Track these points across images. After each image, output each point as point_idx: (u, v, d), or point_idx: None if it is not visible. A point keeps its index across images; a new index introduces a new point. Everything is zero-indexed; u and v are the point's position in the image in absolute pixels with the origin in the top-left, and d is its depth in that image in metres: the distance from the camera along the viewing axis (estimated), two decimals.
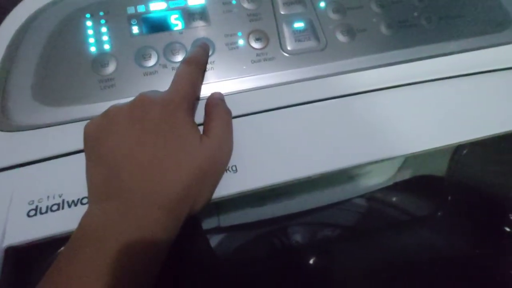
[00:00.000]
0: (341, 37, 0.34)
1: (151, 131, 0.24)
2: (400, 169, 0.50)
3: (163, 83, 0.31)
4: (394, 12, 0.36)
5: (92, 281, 0.19)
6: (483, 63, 0.35)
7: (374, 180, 0.50)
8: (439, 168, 0.46)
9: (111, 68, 0.31)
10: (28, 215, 0.25)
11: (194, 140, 0.25)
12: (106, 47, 0.31)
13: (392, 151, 0.29)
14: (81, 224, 0.22)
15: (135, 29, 0.32)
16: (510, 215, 0.41)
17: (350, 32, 0.34)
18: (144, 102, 0.25)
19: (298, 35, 0.34)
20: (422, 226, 0.46)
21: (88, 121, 0.26)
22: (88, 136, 0.25)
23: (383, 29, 0.35)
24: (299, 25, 0.34)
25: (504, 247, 0.41)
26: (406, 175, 0.51)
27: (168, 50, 0.31)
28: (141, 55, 0.31)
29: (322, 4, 0.35)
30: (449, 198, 0.45)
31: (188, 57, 0.30)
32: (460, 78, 0.34)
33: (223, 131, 0.27)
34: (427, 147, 0.30)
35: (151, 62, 0.31)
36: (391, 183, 0.50)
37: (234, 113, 0.30)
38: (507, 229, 0.41)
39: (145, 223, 0.22)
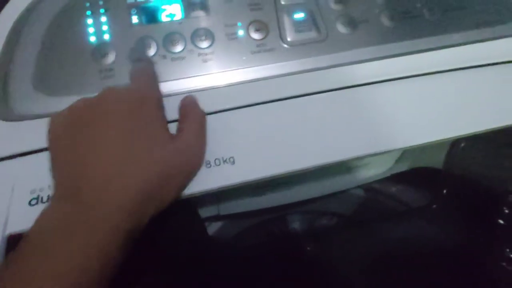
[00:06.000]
0: (342, 28, 0.34)
1: (117, 127, 0.23)
2: (397, 161, 0.50)
3: (162, 73, 0.30)
4: (397, 3, 0.35)
5: (42, 283, 0.18)
6: (486, 56, 0.34)
7: (372, 171, 0.50)
8: (437, 161, 0.47)
9: (111, 58, 0.30)
10: (30, 204, 0.25)
11: (162, 138, 0.25)
12: (106, 36, 0.31)
13: (392, 143, 0.30)
14: (37, 222, 0.21)
15: (135, 19, 0.31)
16: (504, 208, 0.42)
17: (351, 23, 0.34)
18: (111, 96, 0.24)
19: (298, 26, 0.33)
20: (417, 217, 0.47)
21: (53, 115, 0.25)
22: (52, 134, 0.25)
23: (385, 20, 0.35)
24: (299, 15, 0.34)
25: (497, 239, 0.42)
26: (404, 167, 0.51)
27: (168, 41, 0.31)
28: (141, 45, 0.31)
29: None
30: (445, 190, 0.45)
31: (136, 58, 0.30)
32: (462, 71, 0.33)
33: (196, 133, 0.27)
34: (428, 140, 0.30)
35: (151, 52, 0.31)
36: (388, 174, 0.51)
37: (233, 105, 0.30)
38: (501, 222, 0.42)
39: (101, 224, 0.21)
